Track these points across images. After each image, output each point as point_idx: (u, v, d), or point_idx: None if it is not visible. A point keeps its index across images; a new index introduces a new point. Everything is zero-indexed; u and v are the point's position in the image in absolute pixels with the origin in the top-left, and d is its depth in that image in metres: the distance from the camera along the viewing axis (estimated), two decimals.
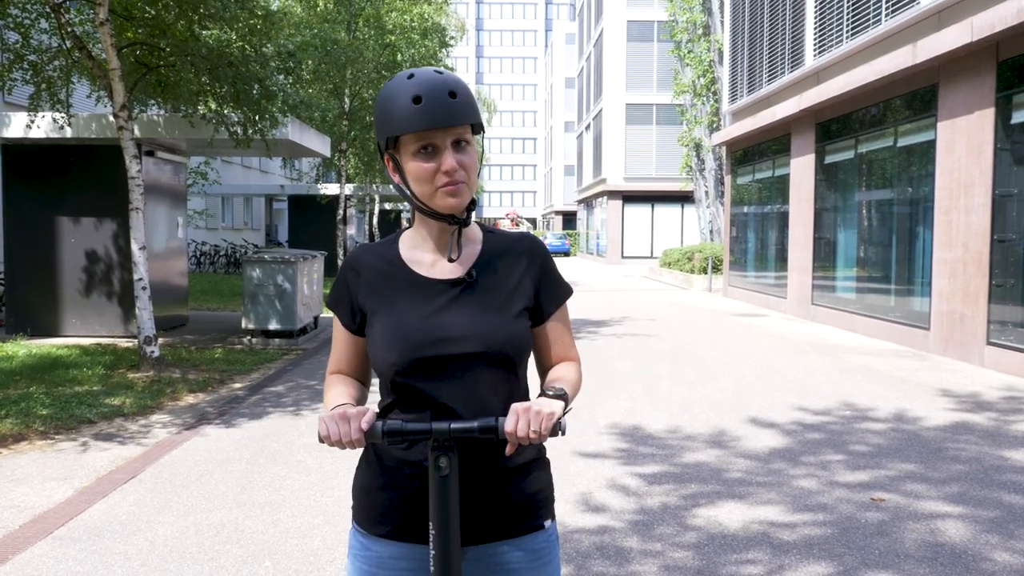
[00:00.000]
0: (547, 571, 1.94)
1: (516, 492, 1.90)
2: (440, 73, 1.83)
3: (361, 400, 1.99)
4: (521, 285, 1.95)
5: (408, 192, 1.87)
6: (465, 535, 1.85)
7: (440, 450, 1.75)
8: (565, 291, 2.04)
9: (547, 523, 1.95)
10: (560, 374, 1.98)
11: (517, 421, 1.70)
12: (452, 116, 1.79)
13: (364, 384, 2.04)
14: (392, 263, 1.95)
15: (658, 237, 46.14)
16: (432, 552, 1.76)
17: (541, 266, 1.99)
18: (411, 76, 1.82)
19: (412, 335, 1.84)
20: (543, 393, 1.86)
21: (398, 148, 1.85)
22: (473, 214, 1.93)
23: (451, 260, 1.90)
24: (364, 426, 1.72)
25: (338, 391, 1.95)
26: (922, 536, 4.81)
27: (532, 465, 1.94)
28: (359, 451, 6.37)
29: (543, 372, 2.04)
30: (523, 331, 1.91)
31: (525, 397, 1.95)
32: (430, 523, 1.76)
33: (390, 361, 1.85)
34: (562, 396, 1.82)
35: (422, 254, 1.94)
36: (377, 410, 1.87)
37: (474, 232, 1.98)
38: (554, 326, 2.01)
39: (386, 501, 1.90)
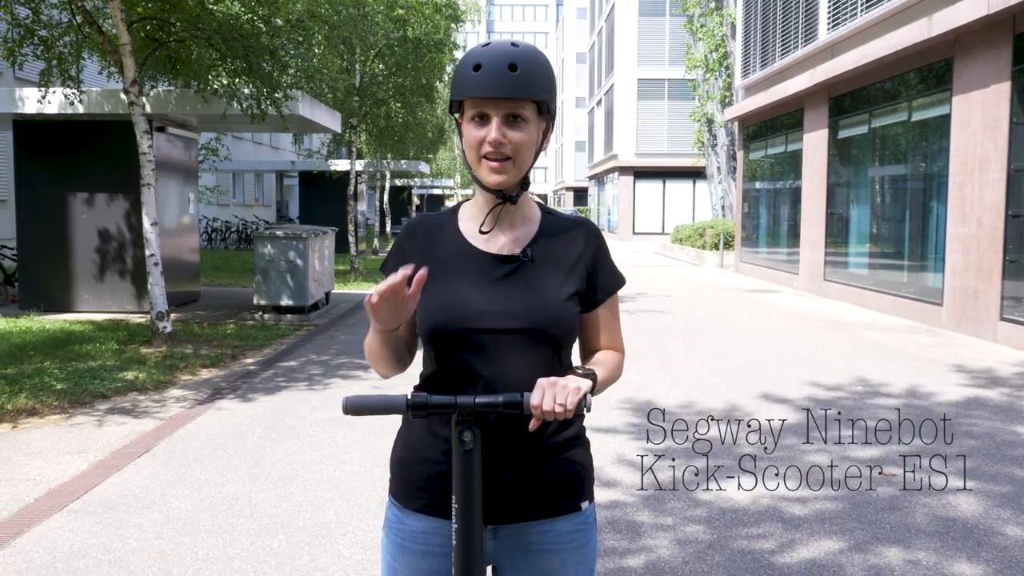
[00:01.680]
0: (583, 553, 1.92)
1: (553, 471, 1.88)
2: (515, 46, 1.82)
3: (400, 360, 1.94)
4: (575, 269, 1.94)
5: (465, 158, 1.89)
6: (501, 513, 1.85)
7: (464, 424, 1.74)
8: (618, 280, 2.02)
9: (584, 504, 1.93)
10: (599, 359, 1.97)
11: (543, 395, 1.68)
12: (504, 88, 1.78)
13: (409, 352, 2.00)
14: (450, 233, 1.95)
15: (670, 213, 45.97)
16: (454, 526, 1.76)
17: (596, 252, 1.98)
18: (487, 44, 1.83)
19: (460, 305, 1.84)
20: (572, 372, 1.85)
21: (462, 112, 1.86)
22: (528, 192, 1.93)
23: (481, 232, 1.91)
24: (375, 297, 1.67)
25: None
26: (934, 511, 4.81)
27: (571, 444, 1.91)
28: (379, 427, 6.40)
29: (586, 359, 2.02)
30: (570, 314, 1.89)
31: (563, 367, 1.93)
32: (452, 497, 1.76)
33: (435, 327, 1.84)
34: (591, 376, 1.82)
35: (482, 229, 1.93)
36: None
37: (533, 211, 1.97)
38: (603, 314, 2.00)
39: (421, 475, 1.90)
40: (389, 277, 1.67)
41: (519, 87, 1.79)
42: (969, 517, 4.71)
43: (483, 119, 1.81)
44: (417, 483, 1.90)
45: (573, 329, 1.90)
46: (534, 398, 1.69)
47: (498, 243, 1.92)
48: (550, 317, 1.86)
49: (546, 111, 1.86)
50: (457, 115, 1.89)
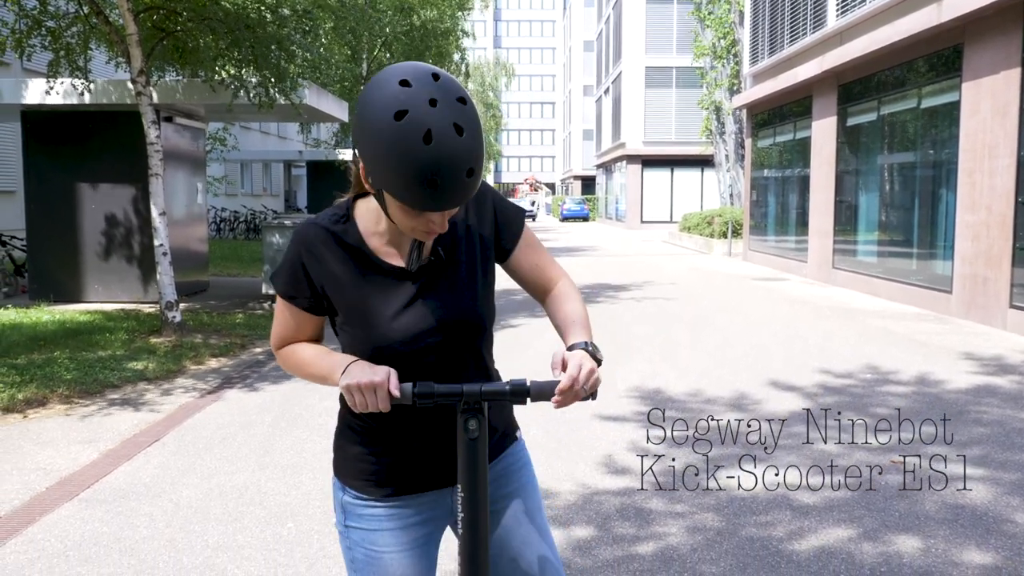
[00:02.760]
0: (529, 468, 2.10)
1: (498, 421, 2.02)
2: (459, 132, 1.55)
3: None
4: (484, 238, 1.93)
5: (384, 208, 1.72)
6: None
7: (469, 412, 1.75)
8: (520, 214, 2.01)
9: (518, 434, 2.11)
10: (567, 317, 1.95)
11: (573, 385, 1.72)
12: (464, 198, 1.63)
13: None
14: (356, 252, 1.85)
15: (678, 202, 45.87)
16: (460, 515, 1.77)
17: (490, 207, 1.95)
18: (427, 138, 1.53)
19: (390, 332, 1.82)
20: (575, 346, 1.84)
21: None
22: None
23: (407, 268, 1.84)
24: (396, 392, 1.70)
25: (316, 351, 1.92)
26: (943, 498, 4.80)
27: None
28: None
29: (539, 297, 2.06)
30: (491, 306, 1.95)
31: (490, 349, 2.01)
32: (458, 485, 1.77)
33: (368, 355, 1.84)
34: (599, 359, 1.83)
35: (386, 240, 1.85)
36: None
37: None
38: (524, 254, 2.00)
39: (384, 466, 1.92)
40: (391, 386, 1.70)
41: (474, 188, 1.63)
42: (979, 505, 4.70)
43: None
44: (381, 474, 1.92)
45: (494, 315, 1.96)
46: (570, 371, 1.72)
47: (406, 252, 1.87)
48: (479, 315, 1.89)
49: None
50: (376, 189, 1.68)
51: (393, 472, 1.92)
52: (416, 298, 1.84)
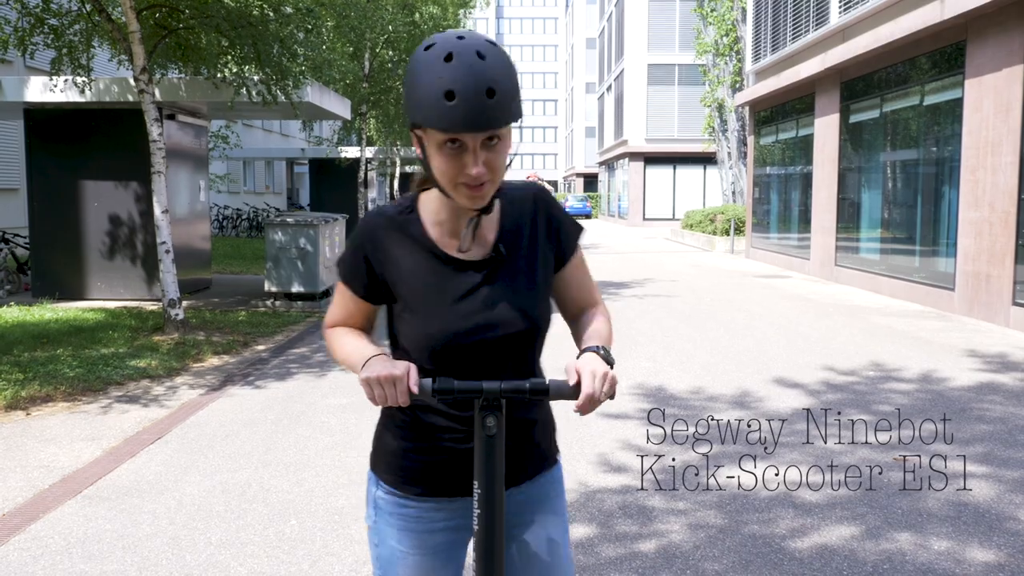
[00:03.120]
0: (563, 497, 2.07)
1: (540, 438, 1.99)
2: (482, 56, 1.63)
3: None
4: (546, 241, 1.94)
5: (431, 175, 1.77)
6: (507, 479, 1.92)
7: (488, 410, 1.75)
8: (577, 226, 2.03)
9: (558, 457, 2.08)
10: (596, 329, 1.97)
11: (593, 390, 1.73)
12: (487, 121, 1.64)
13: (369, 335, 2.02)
14: (418, 241, 1.87)
15: (680, 199, 45.84)
16: (476, 511, 1.77)
17: (550, 211, 1.97)
18: (448, 57, 1.63)
19: (447, 320, 1.82)
20: (588, 350, 1.84)
21: (424, 129, 1.71)
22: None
23: (461, 251, 1.86)
24: (415, 388, 1.70)
25: (354, 339, 1.92)
26: (946, 496, 4.80)
27: (547, 409, 2.03)
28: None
29: (571, 318, 2.05)
30: (548, 305, 1.94)
31: (539, 354, 1.98)
32: (475, 482, 1.77)
33: (429, 346, 1.84)
34: (610, 361, 1.83)
35: (448, 235, 1.88)
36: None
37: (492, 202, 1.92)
38: (573, 269, 2.01)
39: (419, 463, 1.91)
40: (410, 381, 1.70)
41: (500, 116, 1.65)
42: (982, 502, 4.70)
43: (455, 144, 1.67)
44: (416, 471, 1.92)
45: (550, 317, 1.95)
46: (584, 389, 1.72)
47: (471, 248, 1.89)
48: (538, 315, 1.89)
49: (516, 118, 1.74)
50: (419, 131, 1.74)
51: (426, 471, 1.91)
52: (475, 289, 1.85)
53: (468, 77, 1.61)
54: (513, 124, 1.74)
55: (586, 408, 1.73)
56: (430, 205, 1.89)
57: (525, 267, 1.90)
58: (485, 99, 1.62)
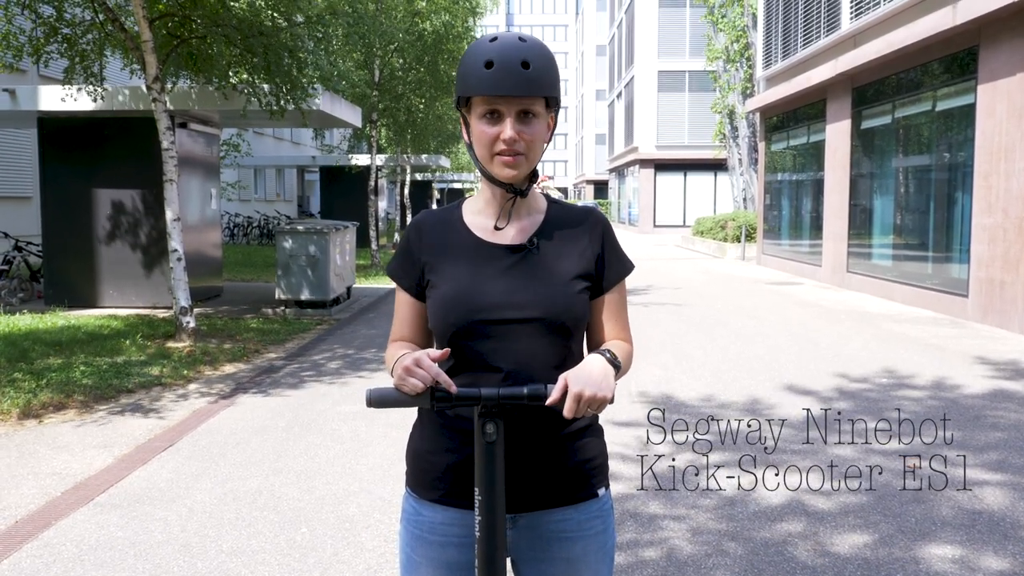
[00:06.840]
0: (602, 539, 1.94)
1: (570, 459, 1.91)
2: (523, 40, 1.82)
3: None
4: (583, 257, 1.95)
5: (472, 152, 1.90)
6: (520, 502, 1.86)
7: (488, 416, 1.75)
8: (627, 266, 2.02)
9: (601, 491, 1.95)
10: (615, 343, 1.97)
11: (576, 404, 1.70)
12: (519, 86, 1.79)
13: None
14: (454, 226, 1.97)
15: (691, 206, 45.75)
16: (478, 518, 1.77)
17: (603, 238, 1.99)
18: (494, 39, 1.83)
19: (471, 298, 1.86)
20: (594, 352, 1.84)
21: (469, 108, 1.86)
22: (535, 185, 1.96)
23: (497, 228, 1.92)
24: (435, 357, 1.72)
25: (399, 350, 1.93)
26: (960, 503, 4.77)
27: (586, 432, 1.94)
28: (400, 420, 6.41)
29: (594, 348, 2.00)
30: (580, 302, 1.91)
31: (574, 358, 1.93)
32: (476, 489, 1.77)
33: (448, 322, 1.87)
34: (615, 363, 1.82)
35: (485, 219, 1.96)
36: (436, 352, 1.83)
37: (539, 202, 1.99)
38: (611, 300, 1.99)
39: (438, 466, 1.91)
40: (436, 372, 1.71)
41: (533, 85, 1.80)
42: (996, 510, 4.67)
43: (494, 115, 1.82)
44: (434, 474, 1.92)
45: (584, 316, 1.92)
46: (568, 406, 1.70)
47: (506, 235, 1.94)
48: (562, 305, 1.88)
49: (554, 104, 1.88)
50: (464, 110, 1.89)
51: (445, 473, 1.90)
52: (501, 272, 1.89)
53: (507, 50, 1.80)
54: (551, 109, 1.88)
55: (570, 412, 1.71)
56: (472, 204, 2.01)
57: (556, 265, 1.91)
58: (520, 69, 1.79)
